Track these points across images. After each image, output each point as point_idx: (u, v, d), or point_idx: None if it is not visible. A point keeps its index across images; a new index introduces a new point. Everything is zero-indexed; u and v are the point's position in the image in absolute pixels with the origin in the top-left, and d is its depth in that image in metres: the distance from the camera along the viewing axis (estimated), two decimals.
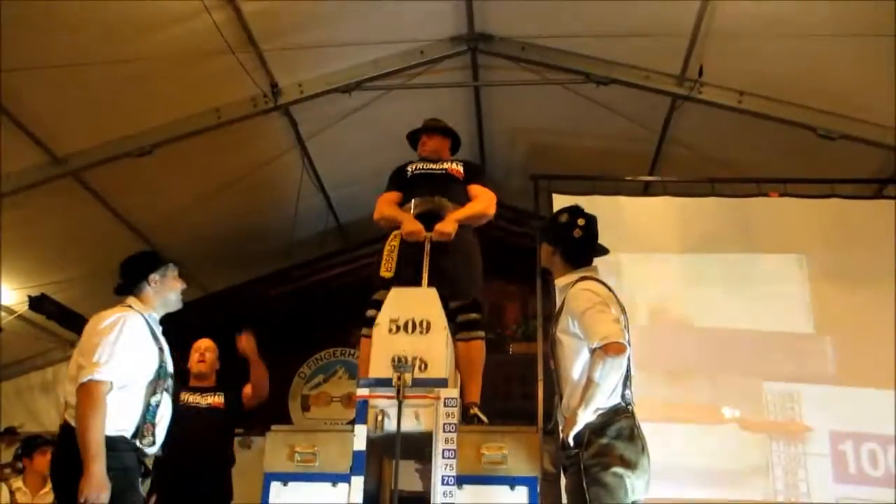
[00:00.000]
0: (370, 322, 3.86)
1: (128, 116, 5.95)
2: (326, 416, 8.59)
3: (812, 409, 5.27)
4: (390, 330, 3.42)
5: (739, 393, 5.38)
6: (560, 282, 3.30)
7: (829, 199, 5.72)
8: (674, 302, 5.67)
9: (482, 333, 4.13)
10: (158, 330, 3.42)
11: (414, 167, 4.53)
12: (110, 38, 5.17)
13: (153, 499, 4.54)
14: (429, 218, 4.17)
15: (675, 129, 6.52)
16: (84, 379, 3.07)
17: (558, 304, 3.31)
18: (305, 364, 8.84)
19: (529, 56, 6.24)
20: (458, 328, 4.02)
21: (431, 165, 4.50)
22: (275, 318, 8.43)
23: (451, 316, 3.89)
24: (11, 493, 6.00)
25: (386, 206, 4.39)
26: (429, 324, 3.43)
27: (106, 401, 3.06)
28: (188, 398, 5.11)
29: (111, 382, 3.10)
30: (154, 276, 3.45)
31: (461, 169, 4.49)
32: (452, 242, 4.08)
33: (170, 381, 3.39)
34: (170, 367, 3.40)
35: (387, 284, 3.94)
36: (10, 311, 7.50)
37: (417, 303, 3.55)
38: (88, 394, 3.04)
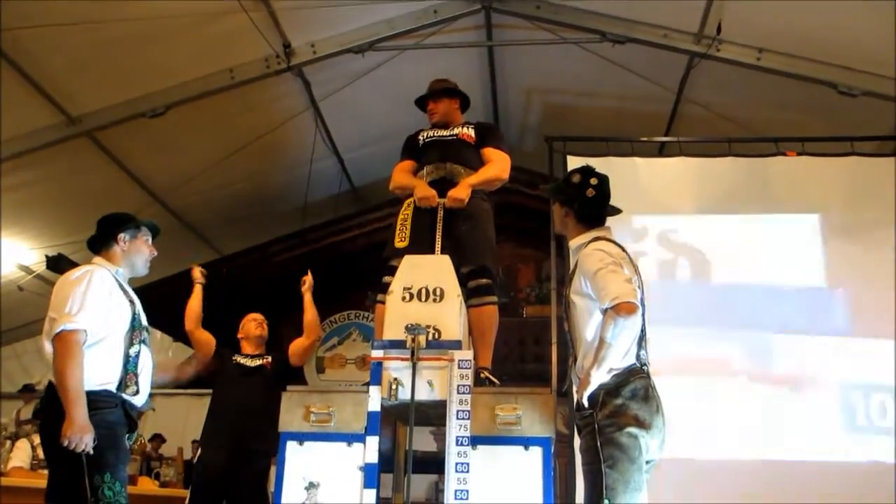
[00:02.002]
0: (385, 288, 3.84)
1: (141, 76, 5.97)
2: (341, 378, 8.68)
3: (821, 361, 5.27)
4: (404, 298, 3.38)
5: (749, 346, 5.37)
6: (573, 242, 3.26)
7: (848, 157, 5.62)
8: (688, 260, 5.64)
9: (494, 298, 4.02)
10: (127, 285, 3.43)
11: (425, 135, 4.45)
12: None
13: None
14: (442, 184, 4.10)
15: (692, 88, 6.43)
16: (57, 329, 3.10)
17: (571, 265, 3.28)
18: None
19: (544, 15, 6.15)
20: (469, 294, 3.94)
21: (442, 132, 4.40)
22: (288, 281, 8.48)
23: (462, 281, 3.89)
24: (33, 447, 6.11)
25: (400, 174, 4.34)
26: (442, 291, 3.39)
27: (82, 349, 3.10)
28: (239, 359, 5.19)
29: (86, 332, 3.12)
30: (123, 236, 3.44)
31: (472, 133, 4.38)
32: (465, 208, 4.01)
33: (146, 334, 3.41)
34: (144, 320, 3.42)
35: (401, 254, 3.91)
36: (28, 270, 7.60)
37: (431, 270, 3.50)
38: (63, 342, 3.08)
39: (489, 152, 4.30)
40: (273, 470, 6.69)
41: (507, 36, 6.62)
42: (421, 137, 4.41)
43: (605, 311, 2.92)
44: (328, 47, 6.25)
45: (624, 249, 3.17)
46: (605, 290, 2.92)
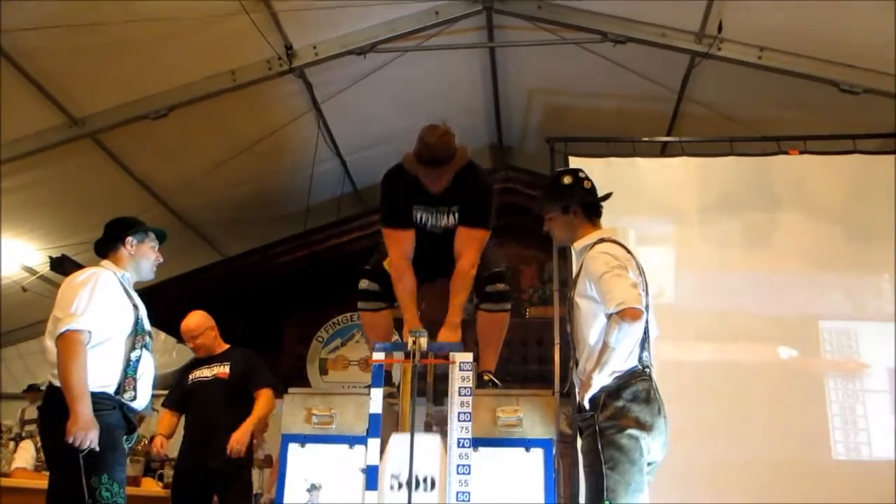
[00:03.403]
0: (363, 294, 3.81)
1: (144, 78, 5.99)
2: (344, 380, 8.68)
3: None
4: (391, 486, 2.91)
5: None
6: (579, 244, 3.27)
7: (851, 155, 5.62)
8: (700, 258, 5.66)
9: (508, 306, 3.90)
10: (132, 289, 3.45)
11: (421, 216, 3.71)
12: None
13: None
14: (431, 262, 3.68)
15: (694, 87, 6.43)
16: (62, 329, 3.14)
17: (576, 267, 3.29)
18: (323, 328, 8.92)
19: (545, 15, 6.14)
20: (485, 298, 3.83)
21: (433, 222, 3.71)
22: (292, 283, 8.50)
23: (479, 286, 3.84)
24: (37, 449, 6.13)
25: (399, 261, 3.66)
26: (433, 481, 2.95)
27: (85, 348, 3.14)
28: (193, 372, 5.09)
29: (89, 332, 3.17)
30: (130, 240, 3.48)
31: (455, 217, 3.71)
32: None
33: (148, 339, 3.43)
34: (146, 325, 3.43)
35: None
36: (32, 271, 7.62)
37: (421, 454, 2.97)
38: (67, 342, 3.12)
39: (468, 236, 3.66)
40: (266, 472, 6.74)
41: (509, 37, 6.62)
42: (418, 217, 3.71)
43: (610, 316, 2.94)
44: (330, 49, 6.26)
45: (629, 251, 3.18)
46: (610, 295, 2.94)
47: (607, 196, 3.33)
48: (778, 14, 5.43)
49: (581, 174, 3.30)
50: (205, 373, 5.02)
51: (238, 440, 4.69)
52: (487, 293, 3.83)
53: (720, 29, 5.62)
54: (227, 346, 5.20)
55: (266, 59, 6.14)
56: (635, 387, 3.00)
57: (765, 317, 5.36)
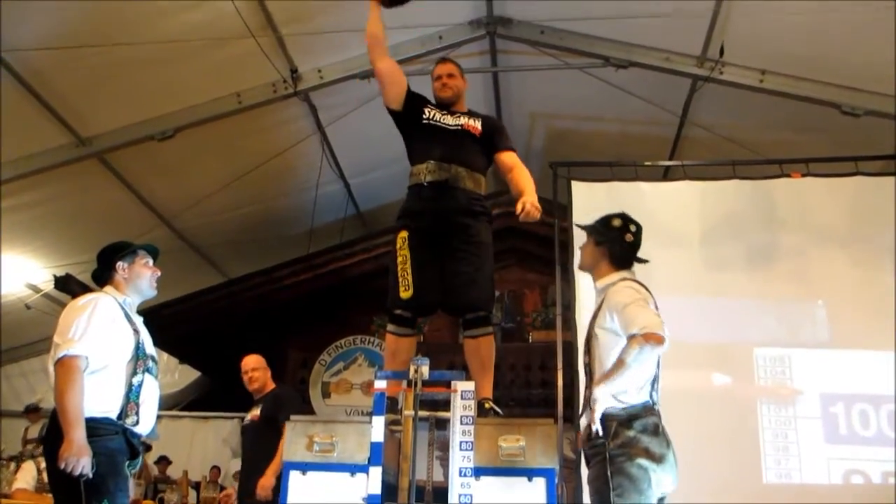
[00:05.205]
0: (397, 319, 3.84)
1: (151, 99, 6.05)
2: (347, 403, 8.65)
3: (802, 372, 5.30)
4: None
5: (730, 359, 5.41)
6: (601, 282, 3.32)
7: (854, 177, 5.63)
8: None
9: (491, 329, 3.92)
10: (134, 314, 3.45)
11: (429, 112, 4.01)
12: (134, 21, 5.24)
13: None
14: (441, 189, 3.82)
15: (696, 111, 6.46)
16: (59, 355, 3.13)
17: (597, 302, 3.34)
18: (325, 351, 8.90)
19: (548, 40, 6.20)
20: (466, 325, 3.87)
21: (447, 118, 3.98)
22: (295, 305, 8.50)
23: (459, 313, 3.91)
24: (39, 472, 6.10)
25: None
26: None
27: (81, 374, 3.12)
28: (246, 418, 5.37)
29: (87, 358, 3.15)
30: (121, 264, 3.47)
31: (479, 126, 4.01)
32: (474, 235, 3.84)
33: (150, 363, 3.41)
34: (148, 349, 3.43)
35: (407, 305, 3.80)
36: (36, 289, 7.65)
37: None
38: (64, 368, 3.11)
39: (511, 158, 4.00)
40: None
41: (512, 61, 6.67)
42: (426, 114, 4.03)
43: (630, 337, 2.97)
44: (335, 73, 6.32)
45: (649, 291, 3.23)
46: (635, 320, 2.99)
47: (643, 260, 3.38)
48: (779, 37, 5.48)
49: (632, 226, 3.36)
50: (248, 417, 5.30)
51: (263, 486, 4.86)
52: (468, 320, 3.85)
53: (722, 52, 5.65)
54: (272, 387, 5.39)
55: (271, 81, 6.19)
56: (646, 419, 3.03)
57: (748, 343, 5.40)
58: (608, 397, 2.99)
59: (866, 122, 5.74)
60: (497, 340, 4.05)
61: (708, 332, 5.40)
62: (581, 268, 3.48)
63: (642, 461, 2.94)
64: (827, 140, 6.01)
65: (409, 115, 4.05)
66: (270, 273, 8.47)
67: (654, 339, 2.91)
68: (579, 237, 3.69)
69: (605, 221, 3.41)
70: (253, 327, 8.24)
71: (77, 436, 3.02)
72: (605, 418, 3.00)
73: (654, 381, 3.13)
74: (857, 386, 5.19)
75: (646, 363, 2.97)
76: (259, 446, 5.07)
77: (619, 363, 2.96)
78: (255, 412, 5.21)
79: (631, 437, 2.98)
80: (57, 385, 3.11)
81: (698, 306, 5.45)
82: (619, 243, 3.33)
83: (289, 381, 8.68)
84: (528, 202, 3.67)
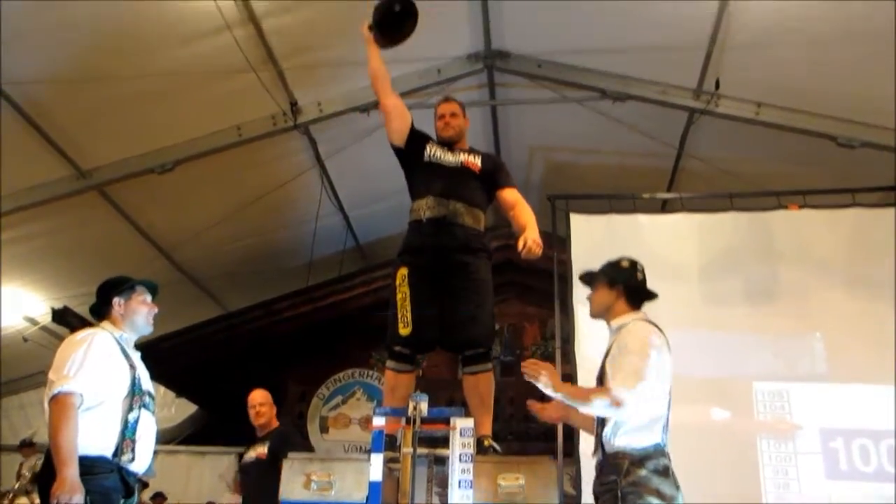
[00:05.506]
0: (396, 355, 3.84)
1: (151, 132, 6.09)
2: (345, 439, 8.57)
3: (802, 406, 5.26)
4: None
5: (729, 393, 5.37)
6: (616, 322, 3.37)
7: (851, 209, 5.65)
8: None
9: (490, 365, 3.90)
10: (131, 350, 3.44)
11: (431, 150, 4.09)
12: (135, 54, 5.31)
13: None
14: (440, 225, 3.87)
15: (693, 143, 6.51)
16: (54, 392, 3.11)
17: (610, 340, 3.38)
18: (324, 385, 8.84)
19: (546, 73, 6.27)
20: (465, 361, 3.86)
21: (448, 156, 4.06)
22: (294, 339, 8.47)
23: (458, 350, 3.91)
24: None
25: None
26: None
27: (76, 411, 3.10)
28: (246, 454, 5.29)
29: (81, 395, 3.13)
30: (118, 300, 3.47)
31: (479, 163, 4.07)
32: (473, 271, 3.86)
33: (147, 399, 3.39)
34: (145, 385, 3.41)
35: (406, 341, 3.81)
36: (33, 321, 7.62)
37: None
38: (58, 405, 3.09)
39: (512, 195, 4.06)
40: None
41: (510, 94, 6.73)
42: (427, 149, 4.11)
43: (606, 387, 3.10)
44: (334, 106, 6.37)
45: (662, 332, 3.30)
46: (621, 374, 3.10)
47: (654, 295, 3.45)
48: (774, 70, 5.54)
49: (639, 266, 3.47)
50: (251, 454, 5.20)
51: None
52: (467, 356, 3.85)
53: (717, 86, 5.72)
54: (276, 425, 5.34)
55: (271, 114, 6.24)
56: (657, 461, 3.07)
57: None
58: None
59: (863, 154, 5.78)
60: (496, 374, 4.02)
61: (706, 366, 5.35)
62: (594, 314, 3.52)
63: (653, 500, 2.98)
64: (824, 172, 6.05)
65: (411, 152, 4.12)
66: (269, 306, 8.45)
67: (615, 402, 3.02)
68: (579, 270, 3.73)
69: (615, 264, 3.50)
70: (251, 360, 8.20)
71: (69, 473, 2.98)
72: (617, 455, 3.07)
73: (666, 423, 3.18)
74: (856, 421, 5.15)
75: (600, 410, 3.10)
76: (265, 485, 4.93)
77: (584, 396, 3.13)
78: (261, 450, 5.11)
79: (642, 477, 3.02)
80: (51, 422, 3.09)
81: (697, 339, 5.40)
82: (632, 283, 3.41)
83: (287, 415, 8.61)
84: (530, 238, 3.73)
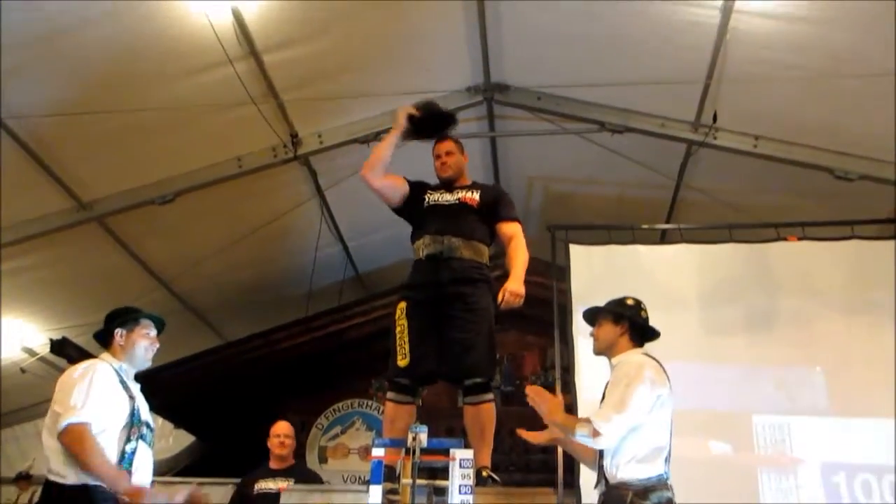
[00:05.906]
0: (397, 386, 3.86)
1: (151, 164, 6.11)
2: (344, 469, 8.49)
3: (802, 440, 5.25)
4: None
5: (729, 426, 5.37)
6: (618, 358, 3.41)
7: (850, 241, 5.67)
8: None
9: (491, 396, 3.90)
10: (130, 381, 3.44)
11: (430, 197, 4.13)
12: (135, 87, 5.35)
13: None
14: (436, 262, 3.90)
15: (692, 175, 6.54)
16: (64, 424, 3.12)
17: (612, 374, 3.41)
18: (323, 415, 8.78)
19: (545, 106, 6.32)
20: (466, 392, 3.88)
21: (446, 195, 4.10)
22: (293, 369, 8.43)
23: (458, 381, 3.93)
24: None
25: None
26: None
27: (93, 437, 3.12)
28: (259, 483, 5.21)
29: (90, 425, 3.15)
30: (119, 331, 3.48)
31: (477, 197, 4.09)
32: (471, 311, 3.85)
33: (145, 430, 3.39)
34: (143, 416, 3.41)
35: (405, 373, 3.84)
36: (32, 352, 7.59)
37: None
38: (76, 436, 3.11)
39: (509, 229, 4.06)
40: None
41: (509, 126, 6.77)
42: (427, 198, 4.14)
43: (592, 418, 3.13)
44: (334, 137, 6.42)
45: (661, 364, 3.34)
46: (607, 406, 3.17)
47: (657, 334, 3.50)
48: (771, 104, 5.59)
49: (643, 305, 3.53)
50: (270, 485, 5.12)
51: None
52: (467, 387, 3.86)
53: (715, 119, 5.76)
54: (293, 462, 5.39)
55: (271, 146, 6.28)
56: (661, 493, 3.09)
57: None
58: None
59: (862, 187, 5.81)
60: (497, 404, 4.00)
61: (706, 398, 5.35)
62: (598, 351, 3.54)
63: None
64: (823, 204, 6.08)
65: (412, 208, 4.18)
66: (268, 336, 8.42)
67: (593, 434, 3.10)
68: (578, 300, 3.76)
69: (620, 302, 3.55)
70: (250, 390, 8.16)
71: (126, 485, 3.09)
72: (620, 487, 3.10)
73: (668, 454, 3.20)
74: (858, 455, 5.14)
75: (583, 439, 3.16)
76: None
77: (570, 426, 3.20)
78: (282, 484, 5.04)
79: None
80: (77, 456, 3.10)
81: (696, 371, 5.40)
82: (636, 320, 3.46)
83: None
84: (508, 291, 3.75)
